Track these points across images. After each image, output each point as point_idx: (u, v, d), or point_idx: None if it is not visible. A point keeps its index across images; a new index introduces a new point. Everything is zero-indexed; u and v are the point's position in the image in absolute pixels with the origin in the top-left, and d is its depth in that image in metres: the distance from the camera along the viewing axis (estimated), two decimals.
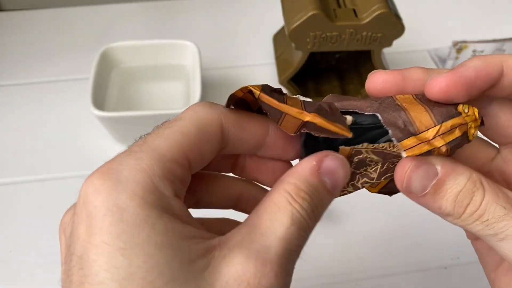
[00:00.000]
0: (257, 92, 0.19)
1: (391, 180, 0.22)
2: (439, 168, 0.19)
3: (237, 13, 0.65)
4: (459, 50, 0.54)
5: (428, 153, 0.19)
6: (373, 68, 0.48)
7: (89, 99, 0.43)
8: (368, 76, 0.21)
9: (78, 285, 0.15)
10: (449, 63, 0.56)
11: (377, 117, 0.20)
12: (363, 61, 0.52)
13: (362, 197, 0.45)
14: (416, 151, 0.19)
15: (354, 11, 0.42)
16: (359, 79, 0.52)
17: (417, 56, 0.59)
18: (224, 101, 0.20)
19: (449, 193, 0.19)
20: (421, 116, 0.19)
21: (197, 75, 0.47)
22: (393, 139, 0.19)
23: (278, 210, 0.18)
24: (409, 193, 0.20)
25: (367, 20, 0.41)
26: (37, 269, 0.39)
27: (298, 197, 0.18)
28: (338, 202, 0.44)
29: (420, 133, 0.19)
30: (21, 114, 0.52)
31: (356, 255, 0.41)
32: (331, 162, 0.19)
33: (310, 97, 0.22)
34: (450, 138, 0.19)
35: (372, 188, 0.24)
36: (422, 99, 0.20)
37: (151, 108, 0.49)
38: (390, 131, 0.19)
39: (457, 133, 0.19)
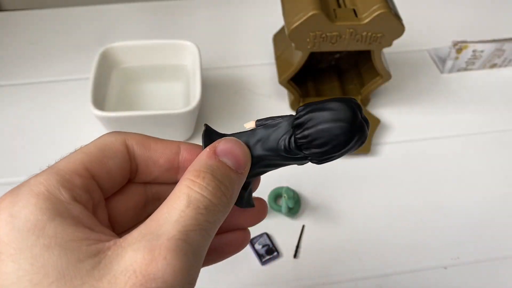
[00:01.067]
0: None
1: None
2: None
3: (237, 13, 0.65)
4: (459, 50, 0.54)
5: None
6: (373, 68, 0.48)
7: (89, 99, 0.43)
8: None
9: None
10: (449, 63, 0.56)
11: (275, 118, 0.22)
12: (363, 61, 0.52)
13: (362, 197, 0.45)
14: None
15: (354, 11, 0.42)
16: (359, 79, 0.52)
17: (417, 56, 0.59)
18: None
19: None
20: None
21: (197, 75, 0.47)
22: None
23: (177, 198, 0.18)
24: None
25: (367, 20, 0.41)
26: None
27: (197, 178, 0.18)
28: (338, 202, 0.44)
29: None
30: (21, 114, 0.52)
31: (356, 255, 0.41)
32: (225, 145, 0.20)
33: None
34: None
35: None
36: None
37: (151, 108, 0.49)
38: None
39: None
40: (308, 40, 0.42)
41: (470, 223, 0.43)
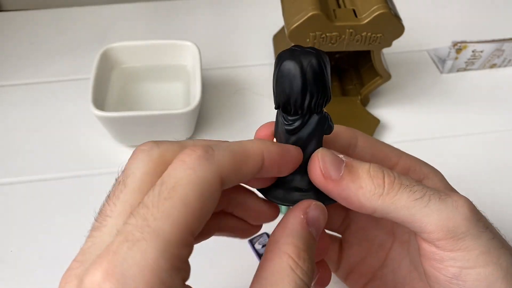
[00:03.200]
0: None
1: None
2: (341, 156, 0.21)
3: (237, 13, 0.65)
4: (458, 50, 0.54)
5: None
6: (373, 68, 0.48)
7: (89, 99, 0.43)
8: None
9: None
10: (449, 63, 0.56)
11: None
12: (363, 61, 0.52)
13: None
14: None
15: (354, 11, 0.42)
16: (359, 79, 0.52)
17: (417, 56, 0.59)
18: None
19: (362, 170, 0.21)
20: None
21: (197, 75, 0.47)
22: None
23: (282, 281, 0.18)
24: (327, 179, 0.21)
25: (367, 20, 0.41)
26: (37, 269, 0.39)
27: (299, 259, 0.19)
28: None
29: None
30: (21, 114, 0.52)
31: None
32: (315, 212, 0.20)
33: None
34: None
35: None
36: None
37: (151, 108, 0.49)
38: None
39: None
40: (308, 40, 0.42)
41: None
